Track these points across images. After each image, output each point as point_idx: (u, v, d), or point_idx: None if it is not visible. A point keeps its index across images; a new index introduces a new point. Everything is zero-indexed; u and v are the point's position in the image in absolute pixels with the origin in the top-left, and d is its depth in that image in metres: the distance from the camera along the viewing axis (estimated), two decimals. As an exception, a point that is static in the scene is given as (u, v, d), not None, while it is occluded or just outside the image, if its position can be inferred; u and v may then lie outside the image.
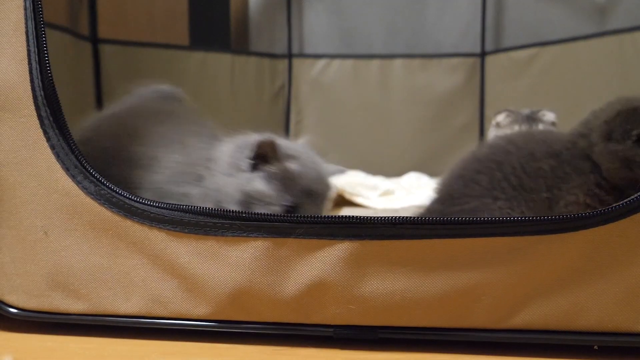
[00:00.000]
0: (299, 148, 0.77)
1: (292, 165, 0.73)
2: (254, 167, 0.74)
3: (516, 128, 1.36)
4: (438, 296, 0.65)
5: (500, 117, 1.44)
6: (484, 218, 0.65)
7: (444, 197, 0.95)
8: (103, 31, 1.82)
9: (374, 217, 0.65)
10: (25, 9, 0.68)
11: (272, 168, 0.73)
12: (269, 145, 0.72)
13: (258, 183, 0.73)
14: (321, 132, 2.14)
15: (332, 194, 0.77)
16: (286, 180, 0.72)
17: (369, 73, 2.11)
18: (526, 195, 0.88)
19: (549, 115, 1.37)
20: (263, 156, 0.73)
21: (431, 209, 0.96)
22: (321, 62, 2.14)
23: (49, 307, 0.72)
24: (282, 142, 0.76)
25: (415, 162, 1.99)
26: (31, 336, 0.72)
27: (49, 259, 0.71)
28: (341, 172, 0.81)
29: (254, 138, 0.75)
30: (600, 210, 0.63)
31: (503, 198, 0.89)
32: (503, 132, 1.39)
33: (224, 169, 0.77)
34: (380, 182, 1.60)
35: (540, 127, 1.35)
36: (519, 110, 1.42)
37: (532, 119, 1.36)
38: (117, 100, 0.98)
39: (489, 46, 2.08)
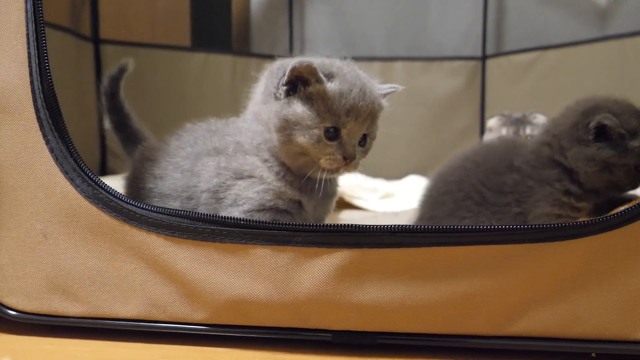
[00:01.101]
0: (341, 65, 0.71)
1: (332, 85, 0.68)
2: (290, 91, 0.70)
3: (504, 131, 1.37)
4: (437, 303, 0.65)
5: (492, 121, 1.45)
6: (483, 226, 0.65)
7: (420, 218, 0.98)
8: (105, 32, 1.82)
9: (374, 226, 0.65)
10: (26, 11, 0.68)
11: (310, 89, 0.68)
12: (306, 68, 0.67)
13: (296, 106, 0.68)
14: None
15: (379, 109, 0.72)
16: (327, 100, 0.68)
17: (370, 75, 2.11)
18: (493, 209, 0.88)
19: (540, 118, 1.38)
20: (300, 78, 0.69)
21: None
22: (322, 64, 2.14)
23: (48, 310, 0.72)
24: (321, 61, 0.71)
25: (415, 165, 1.99)
26: (30, 338, 0.73)
27: (48, 262, 0.71)
28: (394, 89, 0.76)
29: (287, 62, 0.70)
30: (599, 219, 0.63)
31: (469, 216, 0.89)
32: (493, 135, 1.40)
33: (258, 98, 0.75)
34: (380, 185, 1.60)
35: (528, 130, 1.35)
36: (512, 114, 1.43)
37: (521, 122, 1.37)
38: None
39: (490, 50, 2.08)
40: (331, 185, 0.78)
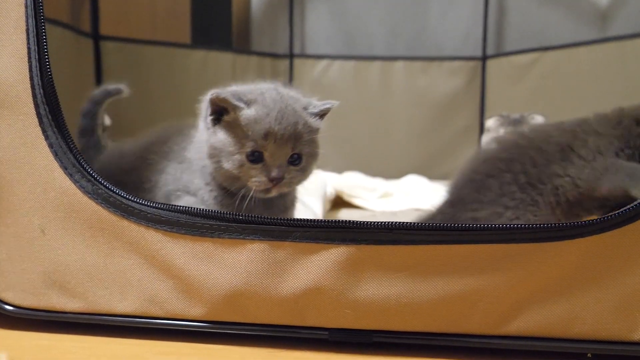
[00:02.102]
0: (265, 90, 0.74)
1: (248, 111, 0.71)
2: (216, 121, 0.74)
3: (502, 131, 1.37)
4: (433, 301, 0.65)
5: (490, 122, 1.45)
6: (481, 225, 0.65)
7: (456, 200, 0.95)
8: (105, 28, 1.82)
9: (371, 222, 0.65)
10: (26, 6, 0.68)
11: (227, 117, 0.73)
12: (217, 98, 0.72)
13: (220, 134, 0.73)
14: (321, 133, 2.13)
15: (305, 129, 0.72)
16: (243, 127, 0.71)
17: (370, 75, 2.11)
18: (534, 195, 0.87)
19: (538, 119, 1.38)
20: (222, 108, 0.73)
21: (443, 210, 0.95)
22: (322, 63, 2.14)
23: (45, 305, 0.72)
24: (243, 89, 0.75)
25: (414, 165, 1.99)
26: (26, 334, 0.73)
27: (45, 257, 0.71)
28: (329, 106, 0.76)
29: (209, 94, 0.74)
30: (597, 219, 0.63)
31: (512, 206, 0.88)
32: (491, 136, 1.40)
33: (200, 125, 0.79)
34: (379, 184, 1.60)
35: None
36: (510, 114, 1.43)
37: (520, 122, 1.37)
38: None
39: (490, 50, 2.08)
40: (283, 200, 0.80)
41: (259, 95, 0.73)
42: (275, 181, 0.71)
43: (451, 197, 0.96)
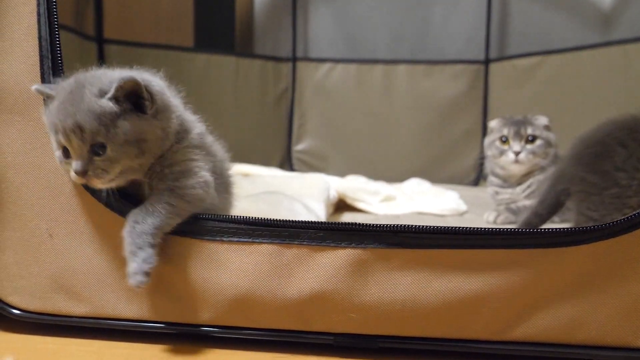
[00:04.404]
0: (66, 83, 0.66)
1: (47, 108, 0.67)
2: None
3: (505, 131, 1.37)
4: (438, 306, 0.65)
5: (493, 123, 1.45)
6: (486, 229, 0.65)
7: (576, 155, 0.95)
8: (109, 32, 1.82)
9: (377, 224, 0.65)
10: (39, 14, 0.69)
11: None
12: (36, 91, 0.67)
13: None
14: (324, 136, 2.14)
15: (90, 118, 0.62)
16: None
17: (372, 78, 2.11)
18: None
19: (541, 119, 1.38)
20: None
21: (565, 170, 0.97)
22: (325, 66, 2.15)
23: (52, 309, 0.73)
24: (51, 86, 0.68)
25: (417, 168, 1.99)
26: (33, 337, 0.73)
27: (52, 261, 0.71)
28: (122, 82, 0.64)
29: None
30: (602, 225, 0.63)
31: (623, 185, 0.89)
32: (494, 136, 1.40)
33: None
34: (382, 188, 1.59)
35: (530, 130, 1.35)
36: (513, 116, 1.43)
37: (521, 122, 1.37)
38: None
39: (493, 53, 2.08)
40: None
41: (60, 89, 0.66)
42: (82, 175, 0.64)
43: (572, 153, 0.97)
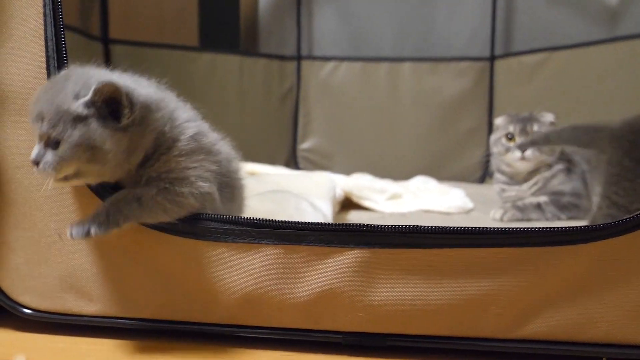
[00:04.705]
0: (57, 75, 0.67)
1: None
2: None
3: (511, 128, 1.37)
4: (447, 305, 0.65)
5: (499, 120, 1.45)
6: (494, 228, 0.65)
7: (627, 144, 0.93)
8: (114, 32, 1.83)
9: (385, 226, 0.65)
10: (44, 15, 0.69)
11: None
12: None
13: None
14: (329, 135, 2.14)
15: (53, 112, 0.62)
16: None
17: (377, 76, 2.11)
18: None
19: (547, 116, 1.38)
20: None
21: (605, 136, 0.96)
22: (330, 65, 2.15)
23: (62, 309, 0.73)
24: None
25: (422, 166, 1.99)
26: (43, 336, 0.73)
27: (62, 261, 0.72)
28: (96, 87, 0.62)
29: None
30: (611, 223, 0.63)
31: None
32: (500, 133, 1.40)
33: None
34: (388, 186, 1.59)
35: (536, 127, 1.35)
36: (519, 114, 1.43)
37: (527, 119, 1.37)
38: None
39: (498, 50, 2.08)
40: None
41: (53, 77, 0.68)
42: (34, 164, 0.63)
43: (618, 132, 0.95)
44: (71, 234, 0.64)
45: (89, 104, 0.62)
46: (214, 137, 0.76)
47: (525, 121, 1.37)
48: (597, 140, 1.01)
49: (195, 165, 0.69)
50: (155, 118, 0.67)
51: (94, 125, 0.62)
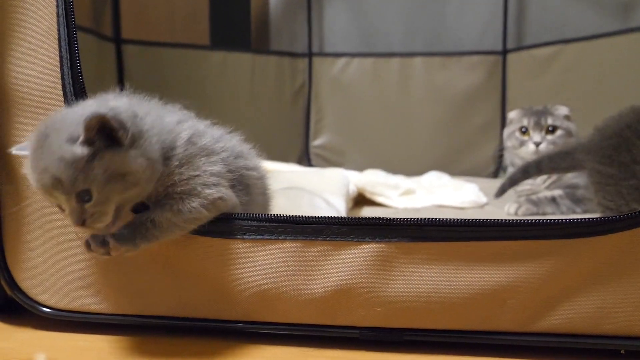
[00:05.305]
0: (33, 138, 0.62)
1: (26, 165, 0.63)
2: None
3: (525, 121, 1.36)
4: (463, 299, 0.65)
5: (512, 114, 1.45)
6: (511, 221, 0.65)
7: (593, 148, 0.95)
8: (126, 32, 1.84)
9: (402, 219, 0.65)
10: (57, 15, 0.69)
11: None
12: None
13: None
14: (341, 131, 2.14)
15: (64, 169, 0.58)
16: None
17: (389, 71, 2.11)
18: None
19: (561, 109, 1.37)
20: None
21: (577, 151, 0.99)
22: (341, 61, 2.14)
23: (80, 307, 0.74)
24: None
25: (435, 161, 1.98)
26: (63, 335, 0.74)
27: (80, 260, 0.72)
28: (91, 116, 0.58)
29: None
30: (628, 215, 0.62)
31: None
32: (514, 127, 1.39)
33: None
34: (401, 182, 1.59)
35: (550, 120, 1.34)
36: (532, 107, 1.42)
37: (542, 112, 1.36)
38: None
39: (510, 44, 2.06)
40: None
41: (30, 141, 0.62)
42: (82, 226, 0.61)
43: (589, 144, 0.97)
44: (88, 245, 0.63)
45: (89, 142, 0.59)
46: (214, 135, 0.72)
47: (539, 114, 1.36)
48: (575, 161, 1.04)
49: (197, 173, 0.66)
50: (149, 124, 0.64)
51: (108, 156, 0.59)
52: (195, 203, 0.65)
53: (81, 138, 0.58)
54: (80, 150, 0.58)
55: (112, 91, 0.68)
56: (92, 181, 0.59)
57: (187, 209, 0.65)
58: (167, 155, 0.65)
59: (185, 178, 0.65)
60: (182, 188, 0.65)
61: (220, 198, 0.67)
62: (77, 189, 0.59)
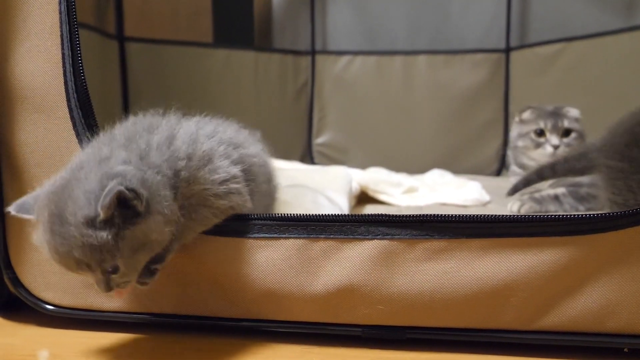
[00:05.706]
0: (42, 211, 0.59)
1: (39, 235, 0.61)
2: None
3: (541, 124, 1.36)
4: (466, 297, 0.65)
5: (526, 114, 1.44)
6: (514, 217, 0.65)
7: (606, 146, 0.95)
8: (129, 29, 1.84)
9: (403, 215, 0.65)
10: (60, 12, 0.69)
11: None
12: None
13: None
14: (344, 129, 2.14)
15: (85, 236, 0.56)
16: None
17: (392, 69, 2.10)
18: None
19: (573, 112, 1.37)
20: None
21: (590, 150, 1.02)
22: (344, 59, 2.14)
23: (84, 305, 0.74)
24: (28, 203, 0.63)
25: (438, 159, 1.98)
26: (67, 332, 0.75)
27: (83, 258, 0.72)
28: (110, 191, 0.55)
29: None
30: (631, 211, 0.62)
31: None
32: (528, 128, 1.38)
33: None
34: (404, 179, 1.59)
35: (566, 123, 1.34)
36: (543, 106, 1.41)
37: (556, 114, 1.36)
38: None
39: (514, 41, 2.06)
40: None
41: (38, 212, 0.60)
42: (111, 292, 0.61)
43: (601, 143, 0.98)
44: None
45: (109, 222, 0.56)
46: (207, 133, 0.70)
47: (555, 117, 1.36)
48: (590, 162, 1.04)
49: (206, 186, 0.65)
50: (155, 177, 0.61)
51: (129, 232, 0.57)
52: (207, 212, 0.66)
53: (100, 218, 0.56)
54: (103, 234, 0.56)
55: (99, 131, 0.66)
56: (119, 256, 0.58)
57: (199, 218, 0.66)
58: (175, 185, 0.63)
59: (195, 193, 0.65)
60: (194, 201, 0.65)
61: (231, 207, 0.68)
62: (103, 268, 0.58)
